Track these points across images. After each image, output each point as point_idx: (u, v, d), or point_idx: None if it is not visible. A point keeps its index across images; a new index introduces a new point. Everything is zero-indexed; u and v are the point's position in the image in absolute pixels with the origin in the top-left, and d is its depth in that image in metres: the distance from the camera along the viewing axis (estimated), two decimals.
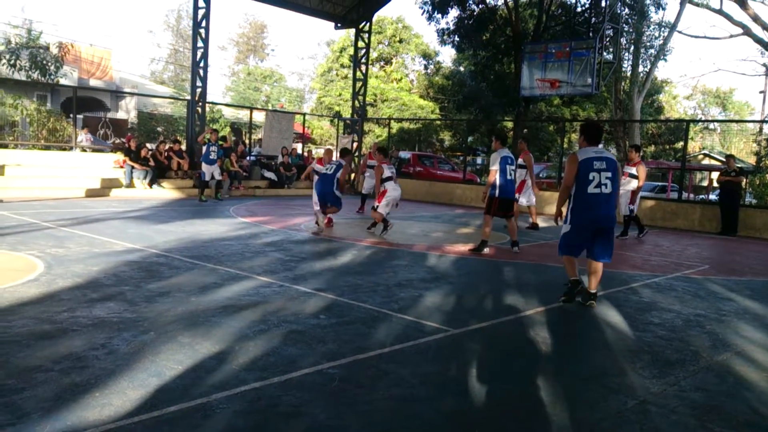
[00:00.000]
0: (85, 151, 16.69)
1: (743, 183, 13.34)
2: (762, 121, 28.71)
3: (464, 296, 5.98)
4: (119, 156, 15.81)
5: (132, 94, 26.47)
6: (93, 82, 26.25)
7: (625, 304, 5.97)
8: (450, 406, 3.31)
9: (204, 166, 14.79)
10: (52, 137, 16.45)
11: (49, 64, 18.27)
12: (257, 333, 4.30)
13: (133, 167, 15.27)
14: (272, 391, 3.30)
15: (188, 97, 18.43)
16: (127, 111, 27.64)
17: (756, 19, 23.93)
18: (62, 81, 20.01)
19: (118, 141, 18.51)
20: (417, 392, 3.45)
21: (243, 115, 29.82)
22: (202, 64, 17.27)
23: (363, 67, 21.86)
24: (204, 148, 14.82)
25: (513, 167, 8.71)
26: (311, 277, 6.33)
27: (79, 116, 19.10)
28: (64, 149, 16.22)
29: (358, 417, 3.08)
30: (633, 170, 11.68)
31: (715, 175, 21.94)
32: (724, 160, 30.92)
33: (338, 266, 7.07)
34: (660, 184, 28.83)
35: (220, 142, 16.37)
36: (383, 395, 3.37)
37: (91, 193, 14.16)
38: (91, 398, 3.08)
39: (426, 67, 43.23)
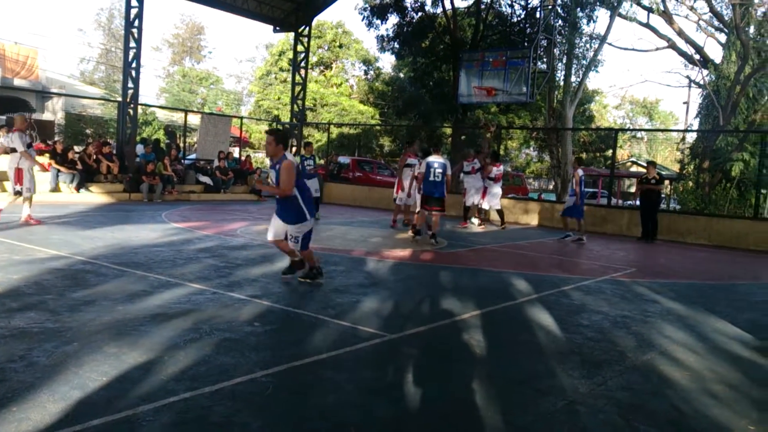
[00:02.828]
0: (7, 153, 15.87)
1: (663, 190, 13.86)
2: (685, 131, 30.17)
3: (401, 301, 6.00)
4: (44, 159, 15.11)
5: (59, 94, 25.39)
6: (18, 82, 25.00)
7: (556, 307, 6.13)
8: (385, 412, 3.31)
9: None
10: None
11: None
12: (188, 342, 4.18)
13: (59, 170, 14.62)
14: (203, 402, 3.20)
15: (119, 99, 17.83)
16: (53, 112, 26.46)
17: (680, 33, 25.16)
18: None
19: (44, 144, 17.67)
20: (352, 399, 3.43)
21: (178, 117, 29.10)
22: (134, 65, 16.75)
23: (302, 71, 21.72)
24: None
25: (440, 170, 10.38)
26: (246, 284, 6.21)
27: (2, 117, 18.16)
28: None
29: (292, 425, 3.03)
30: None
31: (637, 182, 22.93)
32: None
33: (274, 272, 6.96)
34: (590, 190, 29.86)
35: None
36: (318, 402, 3.33)
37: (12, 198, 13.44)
38: (7, 413, 2.91)
39: (366, 73, 43.39)
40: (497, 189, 14.15)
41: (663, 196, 29.59)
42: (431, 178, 10.36)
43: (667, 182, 31.08)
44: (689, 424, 3.38)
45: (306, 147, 13.46)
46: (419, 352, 4.47)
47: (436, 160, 10.45)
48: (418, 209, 11.36)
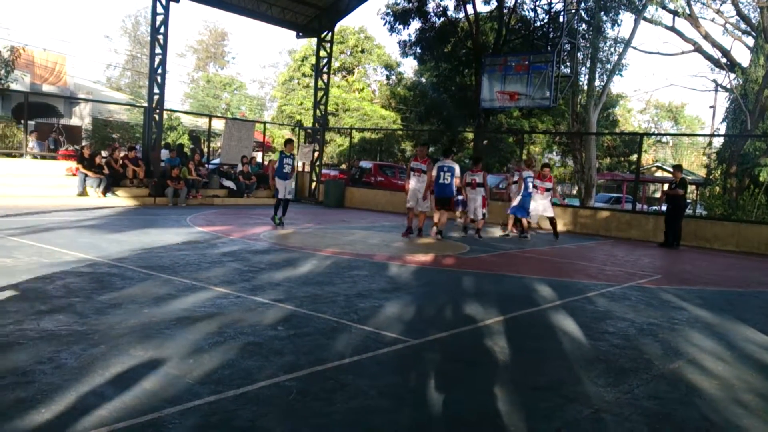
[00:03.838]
0: (36, 158, 16.20)
1: (683, 195, 13.56)
2: (711, 135, 29.72)
3: (423, 306, 5.99)
4: (72, 163, 15.39)
5: (86, 100, 25.85)
6: (46, 88, 25.56)
7: (581, 314, 6.06)
8: (408, 417, 3.29)
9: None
10: (1, 144, 15.91)
11: (0, 68, 17.72)
12: (212, 345, 4.21)
13: (86, 175, 14.87)
14: (227, 405, 3.22)
15: (145, 104, 18.09)
16: (81, 117, 26.95)
17: (707, 36, 24.81)
18: (13, 86, 19.42)
19: (71, 148, 18.01)
20: (375, 404, 3.42)
21: (202, 123, 29.42)
22: (159, 71, 16.98)
23: (325, 77, 21.83)
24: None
25: (448, 174, 11.47)
26: (269, 288, 6.24)
27: (31, 122, 18.54)
28: (14, 156, 15.72)
29: (315, 430, 3.03)
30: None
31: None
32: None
33: (297, 276, 6.99)
34: (615, 195, 29.52)
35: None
36: (341, 408, 3.32)
37: (42, 202, 13.72)
38: (36, 415, 2.95)
39: (388, 78, 43.50)
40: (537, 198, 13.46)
41: (689, 201, 29.22)
42: (441, 181, 11.53)
43: (693, 187, 30.65)
44: None
45: (286, 144, 12.73)
46: (442, 357, 4.45)
47: (445, 164, 11.64)
48: (431, 211, 11.99)
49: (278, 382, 3.60)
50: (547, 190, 13.36)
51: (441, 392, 3.67)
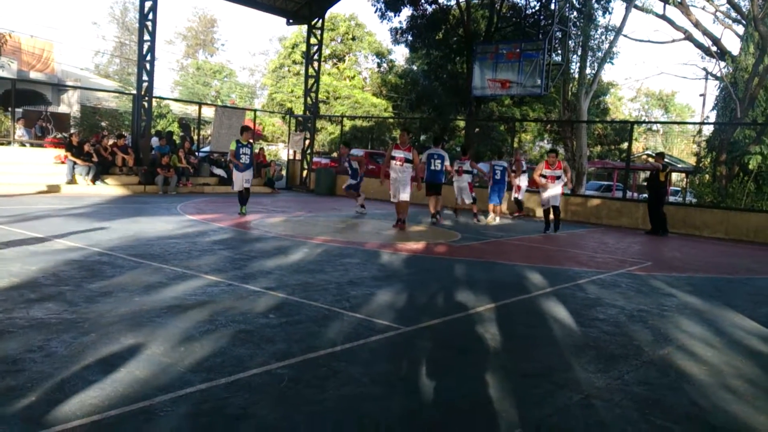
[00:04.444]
0: (24, 146, 16.04)
1: (664, 182, 13.57)
2: (701, 123, 29.85)
3: (415, 294, 5.99)
4: (60, 151, 15.25)
5: (75, 87, 25.56)
6: (34, 75, 25.22)
7: (572, 301, 6.09)
8: (400, 405, 3.30)
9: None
10: None
11: None
12: (204, 333, 4.20)
13: (75, 163, 14.74)
14: (219, 393, 3.22)
15: (134, 92, 17.92)
16: (69, 105, 26.65)
17: (697, 24, 24.82)
18: (0, 73, 19.16)
19: (59, 136, 17.84)
20: (367, 391, 3.43)
21: (192, 110, 29.19)
22: (148, 58, 16.81)
23: (315, 64, 21.70)
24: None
25: (438, 161, 11.92)
26: (261, 276, 6.23)
27: (19, 110, 18.32)
28: (1, 144, 15.55)
29: (307, 417, 3.03)
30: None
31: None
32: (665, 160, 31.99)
33: (289, 264, 6.98)
34: (605, 183, 29.62)
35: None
36: (333, 395, 3.33)
37: (30, 190, 13.60)
38: (27, 402, 2.94)
39: (379, 66, 43.27)
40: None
41: (678, 189, 29.28)
42: (432, 168, 11.97)
43: (683, 175, 30.79)
44: (707, 419, 3.35)
45: (243, 132, 11.87)
46: (434, 344, 4.46)
47: (436, 151, 12.10)
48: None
49: (270, 370, 3.60)
50: (557, 178, 12.27)
51: (433, 379, 3.69)
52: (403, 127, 10.93)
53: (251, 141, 11.90)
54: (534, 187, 14.95)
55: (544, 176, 12.19)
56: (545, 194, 12.37)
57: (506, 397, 3.47)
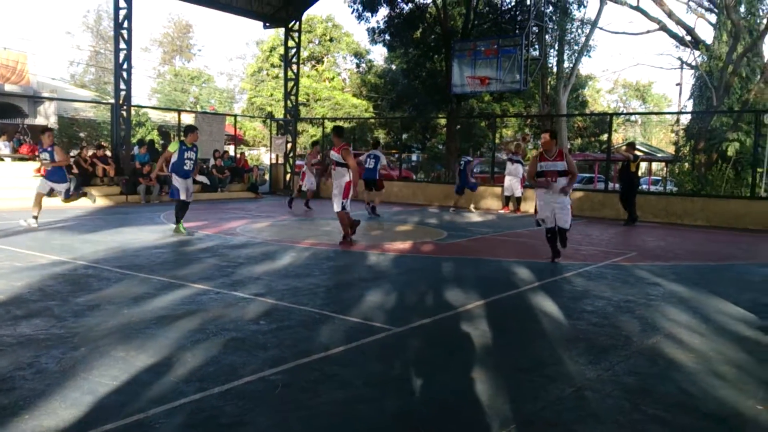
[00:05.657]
0: (2, 160, 15.81)
1: (635, 172, 13.72)
2: (679, 113, 30.23)
3: (405, 294, 6.02)
4: (40, 164, 15.03)
5: (51, 98, 25.22)
6: (8, 87, 24.84)
7: (560, 294, 6.15)
8: (394, 406, 3.32)
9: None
10: None
11: None
12: (195, 343, 4.18)
13: None
14: (213, 402, 3.21)
15: (112, 101, 17.75)
16: (46, 116, 26.27)
17: (671, 14, 25.14)
18: None
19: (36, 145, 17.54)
20: (361, 393, 3.44)
21: (171, 117, 28.96)
22: (125, 66, 16.65)
23: (294, 67, 21.64)
24: None
25: (373, 161, 13.70)
26: (249, 282, 6.21)
27: None
28: None
29: (303, 422, 3.04)
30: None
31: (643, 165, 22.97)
32: (645, 150, 32.37)
33: (276, 269, 6.97)
34: (587, 175, 29.84)
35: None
36: (327, 399, 3.34)
37: (10, 204, 13.42)
38: (20, 421, 2.91)
39: (358, 66, 43.27)
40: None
41: (659, 179, 29.59)
42: (366, 166, 13.66)
43: (663, 164, 31.13)
44: (697, 405, 3.40)
45: (188, 133, 9.80)
46: (426, 344, 4.48)
47: (373, 153, 13.95)
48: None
49: (263, 377, 3.60)
50: (560, 174, 8.58)
51: (426, 378, 3.71)
52: (335, 126, 8.71)
53: (195, 144, 9.77)
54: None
55: (542, 174, 7.82)
56: (543, 210, 7.97)
57: (499, 392, 3.51)
